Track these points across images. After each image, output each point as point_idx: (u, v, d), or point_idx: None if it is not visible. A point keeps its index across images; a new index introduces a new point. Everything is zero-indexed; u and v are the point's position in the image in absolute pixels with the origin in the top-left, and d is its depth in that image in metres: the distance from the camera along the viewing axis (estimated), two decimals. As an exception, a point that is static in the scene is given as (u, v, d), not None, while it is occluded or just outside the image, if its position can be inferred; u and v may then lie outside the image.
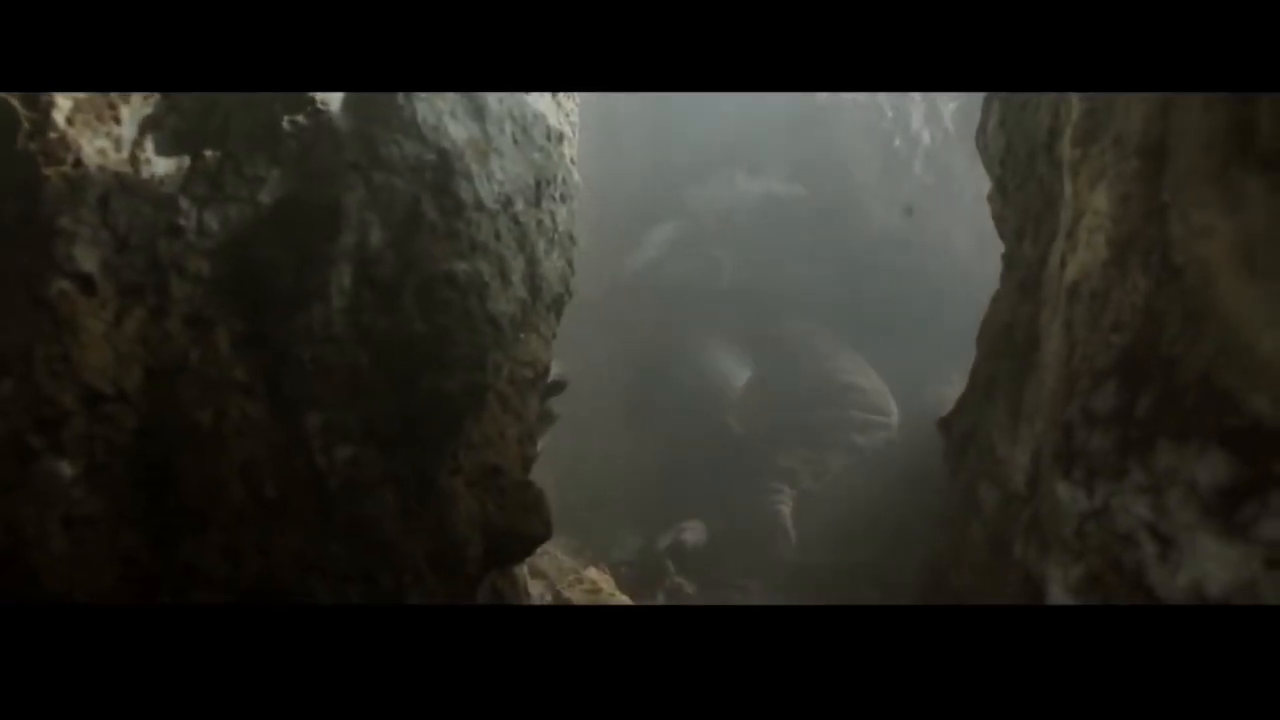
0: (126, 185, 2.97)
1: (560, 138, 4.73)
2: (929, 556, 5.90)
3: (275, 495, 3.14)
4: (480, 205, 3.81)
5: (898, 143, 12.32)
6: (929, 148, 12.39)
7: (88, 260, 2.79)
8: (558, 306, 5.11)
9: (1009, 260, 4.47)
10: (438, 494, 3.64)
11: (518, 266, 4.14)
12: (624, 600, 7.83)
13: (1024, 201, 4.16)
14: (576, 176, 5.20)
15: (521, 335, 4.48)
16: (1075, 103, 2.89)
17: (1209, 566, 2.07)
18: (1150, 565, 2.27)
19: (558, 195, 4.94)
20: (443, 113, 3.86)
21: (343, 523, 3.30)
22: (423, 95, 3.78)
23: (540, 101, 4.44)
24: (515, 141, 4.26)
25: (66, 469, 2.62)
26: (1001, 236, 4.82)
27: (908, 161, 11.99)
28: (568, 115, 4.88)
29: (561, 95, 4.74)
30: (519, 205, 4.26)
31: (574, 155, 5.16)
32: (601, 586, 7.93)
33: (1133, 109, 2.46)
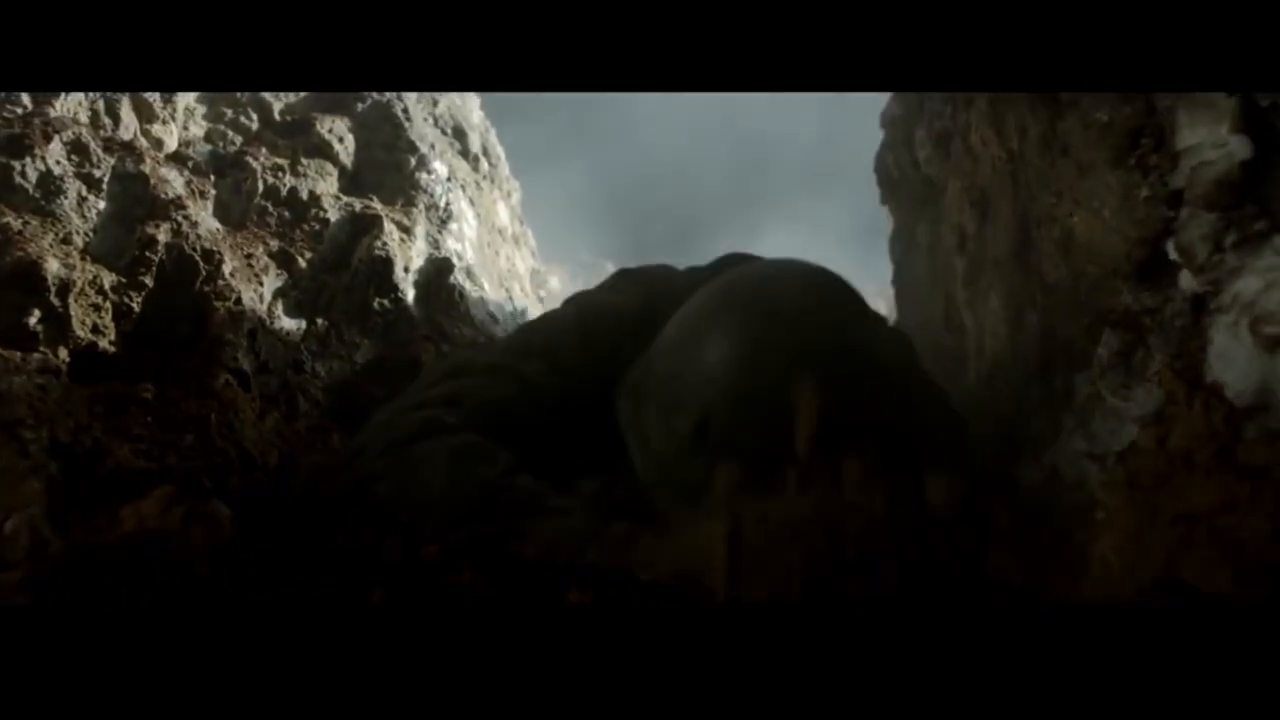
0: (266, 328, 3.81)
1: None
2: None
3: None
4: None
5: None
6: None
7: (244, 365, 3.53)
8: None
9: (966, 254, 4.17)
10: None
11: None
12: None
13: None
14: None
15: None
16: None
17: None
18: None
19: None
20: (487, 305, 4.98)
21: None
22: (477, 290, 4.92)
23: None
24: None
25: (223, 509, 3.13)
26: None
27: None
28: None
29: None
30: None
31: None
32: None
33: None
